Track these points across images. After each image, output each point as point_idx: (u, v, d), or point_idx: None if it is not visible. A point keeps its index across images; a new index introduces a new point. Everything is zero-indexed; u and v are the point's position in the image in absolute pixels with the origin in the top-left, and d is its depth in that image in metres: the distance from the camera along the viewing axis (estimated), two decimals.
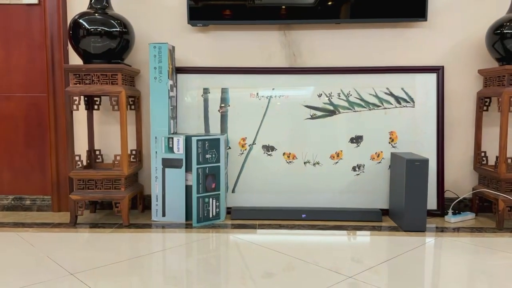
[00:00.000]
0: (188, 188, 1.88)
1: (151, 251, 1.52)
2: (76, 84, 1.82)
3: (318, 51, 2.05)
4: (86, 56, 1.85)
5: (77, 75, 1.82)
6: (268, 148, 2.03)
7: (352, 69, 2.02)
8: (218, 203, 1.89)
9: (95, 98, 2.02)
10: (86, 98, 2.00)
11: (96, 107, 2.03)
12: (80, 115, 2.06)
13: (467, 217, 1.93)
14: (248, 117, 2.03)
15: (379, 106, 2.00)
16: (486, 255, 1.49)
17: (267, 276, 1.30)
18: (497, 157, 1.86)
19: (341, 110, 2.01)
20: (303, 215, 1.92)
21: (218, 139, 1.87)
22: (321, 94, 2.02)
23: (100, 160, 2.07)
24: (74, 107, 1.82)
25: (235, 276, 1.30)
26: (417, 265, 1.40)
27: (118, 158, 1.85)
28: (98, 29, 1.80)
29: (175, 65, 2.02)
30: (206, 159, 1.84)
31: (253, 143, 2.03)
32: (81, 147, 2.06)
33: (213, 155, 1.86)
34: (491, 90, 1.88)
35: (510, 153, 2.01)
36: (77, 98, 1.82)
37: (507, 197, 1.77)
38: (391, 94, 2.00)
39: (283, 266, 1.38)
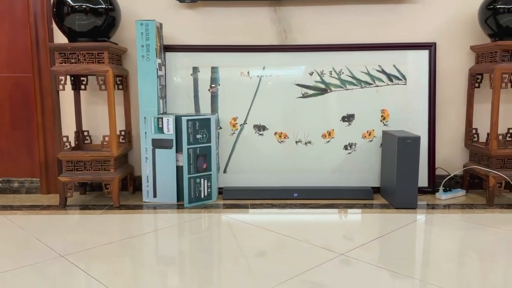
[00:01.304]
0: (179, 169, 1.86)
1: (142, 232, 1.51)
2: (61, 63, 1.77)
3: (309, 27, 2.01)
4: (71, 34, 1.79)
5: (63, 54, 1.76)
6: (260, 128, 2.01)
7: (344, 46, 1.99)
8: (209, 184, 1.88)
9: (82, 78, 1.98)
10: (72, 78, 1.95)
11: (83, 87, 1.98)
12: (66, 96, 2.01)
13: (458, 194, 1.94)
14: (239, 96, 2.00)
15: (371, 84, 1.98)
16: (477, 231, 1.50)
17: (260, 255, 1.30)
18: (488, 134, 1.87)
19: (333, 89, 1.99)
20: (295, 194, 1.92)
21: (209, 119, 1.84)
22: (313, 72, 1.99)
23: (88, 141, 2.03)
24: (60, 87, 1.77)
25: (227, 255, 1.30)
26: (409, 242, 1.41)
27: (106, 139, 1.82)
28: (83, 6, 1.74)
29: (163, 43, 1.97)
30: (197, 139, 1.82)
31: (244, 122, 2.01)
32: (68, 128, 2.02)
33: (204, 135, 1.83)
34: (483, 67, 1.87)
35: (501, 129, 2.01)
36: (63, 77, 1.77)
37: (497, 174, 1.78)
38: (383, 72, 1.98)
39: (275, 245, 1.38)
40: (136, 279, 1.15)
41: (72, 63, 1.76)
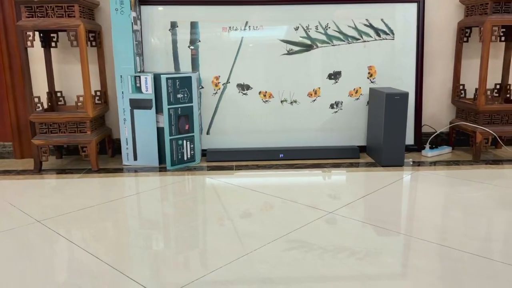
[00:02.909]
0: (160, 130, 1.79)
1: (123, 195, 1.45)
2: (28, 17, 1.63)
3: None
4: None
5: (29, 8, 1.63)
6: (243, 87, 1.93)
7: None
8: (192, 145, 1.81)
9: (52, 34, 1.84)
10: (41, 35, 1.81)
11: (53, 44, 1.85)
12: (37, 54, 1.88)
13: (444, 151, 1.93)
14: (221, 53, 1.90)
15: (358, 39, 1.91)
16: (463, 186, 1.49)
17: (246, 216, 1.26)
18: (476, 90, 1.83)
19: (319, 44, 1.91)
20: (280, 155, 1.87)
21: (190, 77, 1.75)
22: (298, 27, 1.90)
23: (62, 102, 1.92)
24: (28, 43, 1.64)
25: (212, 218, 1.26)
26: (395, 199, 1.39)
27: (81, 99, 1.72)
28: None
29: None
30: (178, 99, 1.73)
31: (227, 81, 1.93)
32: (41, 89, 1.91)
33: (185, 95, 1.75)
34: (472, 20, 1.81)
35: (489, 85, 1.98)
36: (30, 33, 1.64)
37: (485, 129, 1.76)
38: (371, 26, 1.90)
39: (262, 206, 1.34)
40: (117, 243, 1.10)
41: (40, 17, 1.63)
